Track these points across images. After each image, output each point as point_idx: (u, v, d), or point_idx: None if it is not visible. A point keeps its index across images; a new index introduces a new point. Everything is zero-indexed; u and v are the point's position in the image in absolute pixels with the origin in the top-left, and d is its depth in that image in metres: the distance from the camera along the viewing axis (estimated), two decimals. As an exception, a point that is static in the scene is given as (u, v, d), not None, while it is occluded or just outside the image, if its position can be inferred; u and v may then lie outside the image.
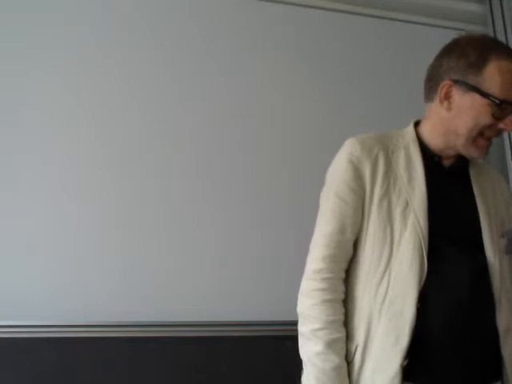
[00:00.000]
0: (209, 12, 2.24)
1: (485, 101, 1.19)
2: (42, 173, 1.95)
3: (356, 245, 1.24)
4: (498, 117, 1.20)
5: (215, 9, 2.25)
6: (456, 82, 1.22)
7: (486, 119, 1.20)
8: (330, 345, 1.15)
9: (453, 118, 1.24)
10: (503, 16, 2.57)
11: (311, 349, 1.16)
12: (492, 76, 1.19)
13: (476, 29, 2.62)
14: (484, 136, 1.23)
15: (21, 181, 1.93)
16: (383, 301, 1.16)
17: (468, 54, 1.22)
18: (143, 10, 2.18)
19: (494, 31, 2.58)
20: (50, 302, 1.85)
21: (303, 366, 1.20)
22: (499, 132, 1.23)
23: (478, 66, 1.20)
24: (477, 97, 1.20)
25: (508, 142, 2.48)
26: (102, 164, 2.01)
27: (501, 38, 2.55)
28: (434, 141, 1.29)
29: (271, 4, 2.32)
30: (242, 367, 1.90)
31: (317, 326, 1.17)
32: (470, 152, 1.25)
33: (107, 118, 2.05)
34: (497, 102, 1.18)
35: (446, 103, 1.25)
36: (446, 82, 1.24)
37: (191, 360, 1.88)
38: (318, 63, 2.32)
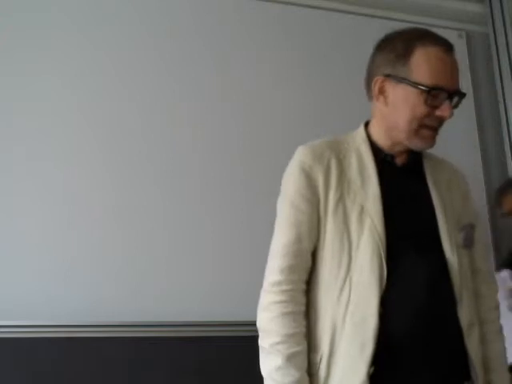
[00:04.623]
0: (209, 12, 2.24)
1: (415, 90, 1.18)
2: (43, 172, 1.95)
3: (315, 254, 1.21)
4: (431, 104, 1.18)
5: (215, 9, 2.25)
6: (387, 76, 1.22)
7: (421, 109, 1.18)
8: (290, 359, 1.11)
9: (391, 113, 1.23)
10: (503, 16, 2.57)
11: (271, 363, 1.13)
12: (419, 64, 1.18)
13: (476, 29, 2.62)
14: (427, 126, 1.21)
15: (21, 181, 1.93)
16: (346, 308, 1.13)
17: (396, 46, 1.22)
18: (143, 10, 2.18)
19: (494, 31, 2.58)
20: (50, 301, 1.85)
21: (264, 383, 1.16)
22: (440, 120, 1.21)
23: (405, 56, 1.19)
24: (407, 87, 1.19)
25: (508, 142, 2.48)
26: (102, 165, 2.01)
27: (501, 38, 2.55)
28: (382, 139, 1.27)
29: (271, 4, 2.32)
30: (242, 367, 1.90)
31: (276, 339, 1.13)
32: (415, 144, 1.23)
33: (107, 118, 2.05)
34: (425, 89, 1.17)
35: (381, 98, 1.24)
36: (377, 78, 1.23)
37: (191, 360, 1.88)
38: (318, 63, 2.32)
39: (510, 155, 2.47)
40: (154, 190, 2.03)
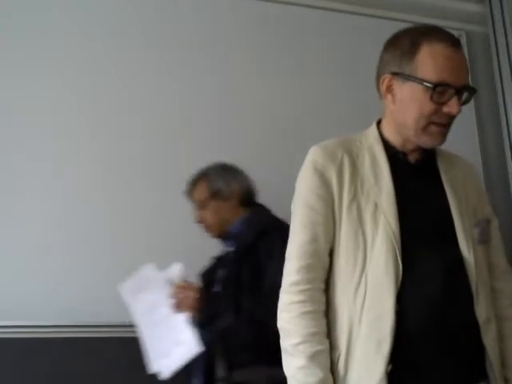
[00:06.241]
0: (209, 12, 2.24)
1: (421, 87, 1.17)
2: (43, 172, 1.96)
3: (331, 253, 1.21)
4: (438, 101, 1.17)
5: (215, 9, 2.25)
6: (394, 74, 1.21)
7: (428, 106, 1.17)
8: (312, 358, 1.11)
9: (399, 111, 1.23)
10: (503, 16, 2.57)
11: (294, 364, 1.13)
12: (424, 61, 1.17)
13: (476, 29, 2.62)
14: (435, 123, 1.20)
15: (21, 181, 1.93)
16: (362, 306, 1.13)
17: (401, 44, 1.21)
18: (143, 10, 2.18)
19: (494, 31, 2.58)
20: (50, 301, 1.85)
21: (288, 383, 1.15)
22: (449, 116, 1.19)
23: (411, 53, 1.19)
24: (414, 85, 1.18)
25: (508, 142, 2.48)
26: (102, 165, 2.01)
27: (501, 38, 2.55)
28: (393, 137, 1.27)
29: (271, 4, 2.32)
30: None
31: (297, 340, 1.13)
32: (424, 141, 1.22)
33: (107, 118, 2.05)
34: (430, 86, 1.16)
35: (389, 97, 1.24)
36: (385, 76, 1.23)
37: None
38: (318, 63, 2.32)
39: (510, 155, 2.47)
40: (154, 190, 2.03)
